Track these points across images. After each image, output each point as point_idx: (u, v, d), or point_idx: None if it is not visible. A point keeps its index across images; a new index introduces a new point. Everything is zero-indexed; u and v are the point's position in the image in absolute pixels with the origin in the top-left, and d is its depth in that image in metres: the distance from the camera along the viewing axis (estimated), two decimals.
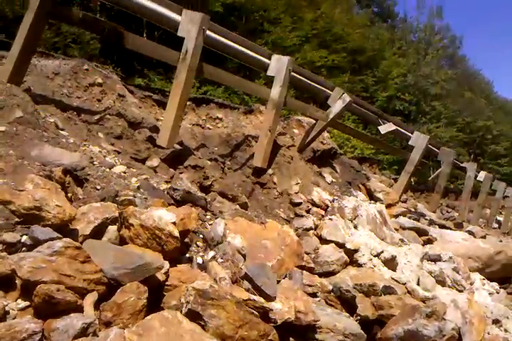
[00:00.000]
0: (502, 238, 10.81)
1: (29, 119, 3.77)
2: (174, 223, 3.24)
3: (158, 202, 3.85)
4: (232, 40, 5.70)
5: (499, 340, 3.96)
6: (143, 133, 5.37)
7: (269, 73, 6.32)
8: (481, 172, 11.89)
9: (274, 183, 6.55)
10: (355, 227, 5.87)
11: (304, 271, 4.50)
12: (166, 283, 2.91)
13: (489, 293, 5.75)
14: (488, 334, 3.92)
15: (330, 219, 5.81)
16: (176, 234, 3.15)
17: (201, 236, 3.91)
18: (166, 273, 2.92)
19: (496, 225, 13.61)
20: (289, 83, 6.47)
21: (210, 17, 5.02)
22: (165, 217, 3.24)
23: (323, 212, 6.21)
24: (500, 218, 14.31)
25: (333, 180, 7.84)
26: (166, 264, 2.95)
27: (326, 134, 8.71)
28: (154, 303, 2.77)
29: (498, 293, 6.02)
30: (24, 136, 3.56)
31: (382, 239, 5.77)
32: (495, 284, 6.24)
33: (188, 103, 6.49)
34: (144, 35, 8.39)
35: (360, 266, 5.03)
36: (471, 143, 22.51)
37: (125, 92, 5.86)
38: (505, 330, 3.98)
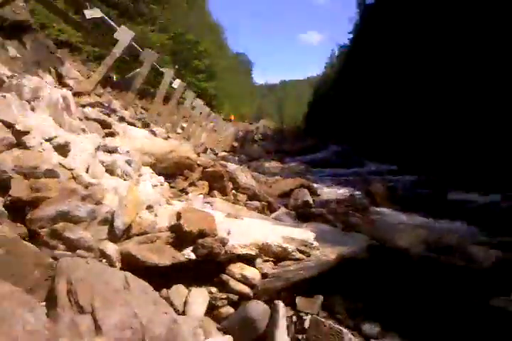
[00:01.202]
0: (182, 142, 12.13)
1: None
2: None
3: None
4: None
5: (148, 222, 4.49)
6: None
7: None
8: (177, 80, 12.59)
9: None
10: (33, 109, 5.35)
11: None
12: None
13: (154, 185, 6.41)
14: (140, 217, 4.38)
15: (3, 96, 5.08)
16: None
17: None
18: None
19: (181, 131, 15.08)
20: None
21: None
22: None
23: None
24: (185, 125, 15.93)
25: (19, 55, 6.83)
26: None
27: (23, 4, 7.41)
28: None
29: (162, 185, 6.82)
30: None
31: (61, 126, 5.50)
32: (161, 178, 7.02)
33: None
34: None
35: (27, 148, 4.67)
36: (178, 54, 23.65)
37: None
38: (155, 215, 4.54)
